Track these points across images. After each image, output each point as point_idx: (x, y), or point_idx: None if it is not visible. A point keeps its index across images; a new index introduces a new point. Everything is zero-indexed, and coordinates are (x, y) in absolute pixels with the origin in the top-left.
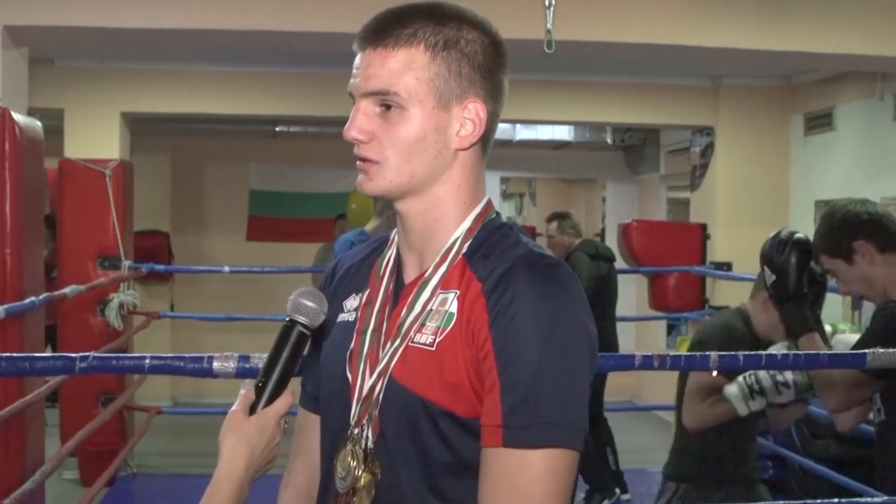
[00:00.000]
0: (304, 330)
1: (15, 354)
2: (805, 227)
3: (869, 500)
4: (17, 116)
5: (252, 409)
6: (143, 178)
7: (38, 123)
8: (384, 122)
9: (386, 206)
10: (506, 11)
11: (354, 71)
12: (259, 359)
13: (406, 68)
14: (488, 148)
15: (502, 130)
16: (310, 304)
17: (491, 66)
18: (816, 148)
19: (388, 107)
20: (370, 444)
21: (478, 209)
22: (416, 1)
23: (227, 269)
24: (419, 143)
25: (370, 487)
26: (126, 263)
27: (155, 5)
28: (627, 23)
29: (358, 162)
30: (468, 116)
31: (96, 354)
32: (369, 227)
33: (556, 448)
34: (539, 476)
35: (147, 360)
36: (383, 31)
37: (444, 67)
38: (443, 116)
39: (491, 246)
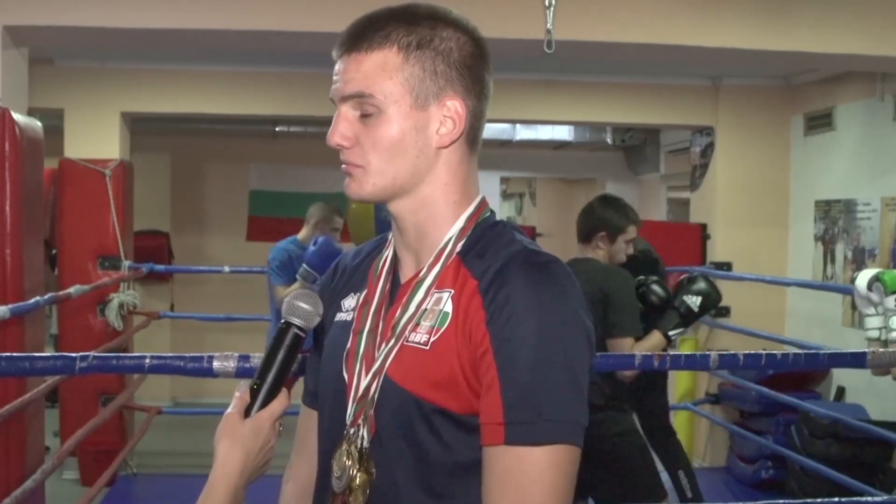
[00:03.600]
0: (299, 332)
1: (15, 354)
2: (805, 227)
3: (869, 499)
4: (17, 116)
5: (247, 412)
6: (143, 178)
7: (38, 123)
8: (364, 126)
9: (319, 219)
10: (506, 11)
11: (334, 78)
12: (258, 358)
13: (380, 70)
14: (476, 146)
15: (502, 130)
16: (304, 306)
17: (469, 62)
18: (816, 148)
19: (367, 110)
20: (366, 444)
21: (471, 208)
22: (393, 5)
23: (227, 269)
24: (398, 143)
25: (365, 487)
26: (126, 263)
27: (155, 5)
28: (627, 23)
29: (343, 166)
30: (447, 114)
31: (96, 354)
32: (301, 235)
33: (558, 444)
34: (541, 472)
35: (147, 360)
36: (358, 37)
37: (418, 67)
38: (421, 116)
39: (485, 244)
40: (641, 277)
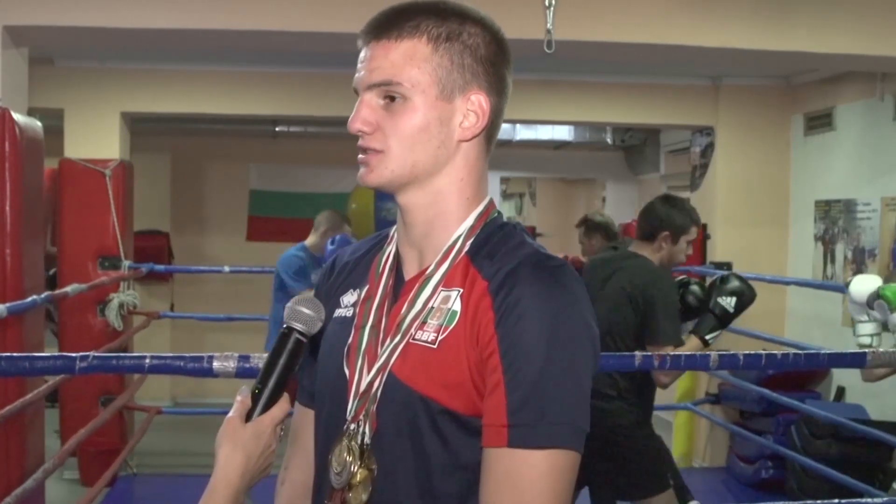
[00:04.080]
0: (300, 337)
1: (15, 354)
2: (805, 227)
3: (869, 500)
4: (17, 116)
5: (248, 416)
6: (143, 178)
7: (38, 123)
8: (388, 114)
9: (328, 227)
10: (506, 11)
11: (359, 65)
12: (259, 359)
13: (409, 59)
14: (492, 144)
15: (502, 130)
16: (307, 311)
17: (494, 59)
18: (816, 148)
19: (391, 98)
20: (367, 440)
21: (480, 207)
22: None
23: (227, 269)
24: (422, 132)
25: (366, 483)
26: (126, 263)
27: (155, 5)
28: (627, 23)
29: (360, 155)
30: (471, 108)
31: (96, 354)
32: (308, 241)
33: (559, 448)
34: (541, 476)
35: (147, 360)
36: (386, 25)
37: (446, 59)
38: (446, 107)
39: (495, 245)
40: (683, 278)
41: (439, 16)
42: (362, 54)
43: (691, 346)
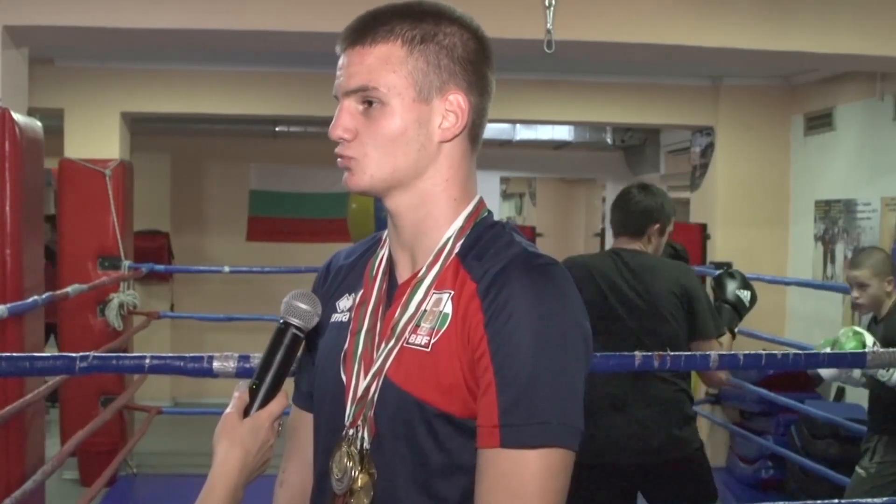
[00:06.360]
0: (297, 332)
1: (15, 354)
2: (805, 227)
3: (869, 500)
4: (17, 116)
5: (246, 412)
6: (143, 178)
7: (38, 123)
8: (366, 119)
9: None
10: (506, 11)
11: (337, 72)
12: (259, 359)
13: (384, 63)
14: (477, 144)
15: (502, 130)
16: (303, 306)
17: (472, 58)
18: (816, 148)
19: (369, 103)
20: (366, 445)
21: (469, 207)
22: (396, 1)
23: (227, 269)
24: (401, 136)
25: (367, 488)
26: (126, 263)
27: (155, 5)
28: (627, 23)
29: (339, 159)
30: (450, 108)
31: (96, 354)
32: None
33: (553, 447)
34: (535, 475)
35: (147, 360)
36: (362, 31)
37: (421, 60)
38: (424, 109)
39: (484, 245)
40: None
41: (414, 18)
42: (340, 61)
43: (729, 338)
